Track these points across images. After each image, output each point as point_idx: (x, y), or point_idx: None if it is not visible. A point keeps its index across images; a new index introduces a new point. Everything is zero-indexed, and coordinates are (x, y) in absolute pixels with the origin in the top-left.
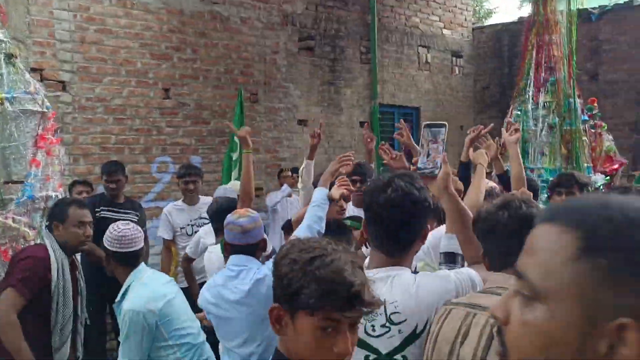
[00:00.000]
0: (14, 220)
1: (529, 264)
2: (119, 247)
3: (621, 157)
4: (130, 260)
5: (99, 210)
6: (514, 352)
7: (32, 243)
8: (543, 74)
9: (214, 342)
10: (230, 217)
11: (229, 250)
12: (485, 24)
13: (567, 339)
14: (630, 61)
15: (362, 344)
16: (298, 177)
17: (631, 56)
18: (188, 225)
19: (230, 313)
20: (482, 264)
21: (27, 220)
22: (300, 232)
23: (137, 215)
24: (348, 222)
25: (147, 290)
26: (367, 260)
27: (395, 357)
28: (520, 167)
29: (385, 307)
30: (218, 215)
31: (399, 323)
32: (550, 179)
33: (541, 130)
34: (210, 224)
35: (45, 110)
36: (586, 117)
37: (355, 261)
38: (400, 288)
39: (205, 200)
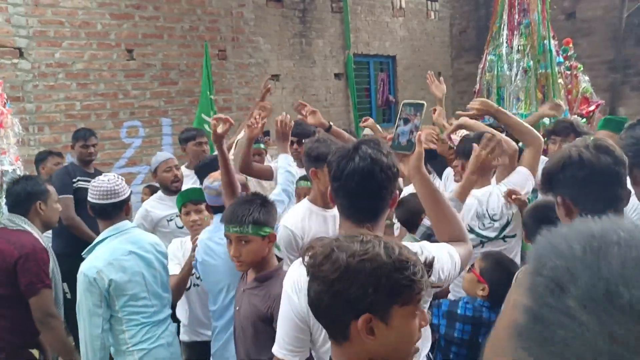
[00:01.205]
0: None
1: None
2: (96, 198)
3: (597, 98)
4: (107, 213)
5: (75, 180)
6: None
7: None
8: (517, 16)
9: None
10: (205, 182)
11: (209, 209)
12: None
13: None
14: None
15: None
16: (269, 139)
17: None
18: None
19: (215, 261)
20: (461, 242)
21: None
22: (276, 196)
23: None
24: (302, 183)
25: (108, 254)
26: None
27: None
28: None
29: None
30: (202, 170)
31: None
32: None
33: (516, 75)
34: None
35: None
36: (561, 59)
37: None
38: None
39: None
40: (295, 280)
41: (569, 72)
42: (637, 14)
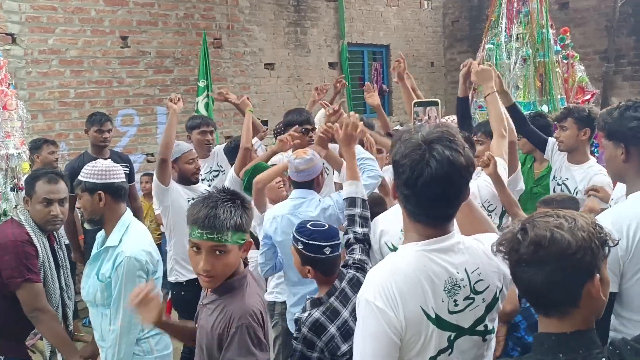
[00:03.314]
0: None
1: None
2: (107, 178)
3: (592, 88)
4: (124, 194)
5: None
6: None
7: None
8: (516, 5)
9: None
10: (290, 157)
11: (290, 184)
12: None
13: None
14: None
15: (444, 325)
16: (267, 130)
17: None
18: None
19: None
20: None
21: None
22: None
23: (128, 168)
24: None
25: (146, 238)
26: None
27: (477, 328)
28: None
29: (468, 276)
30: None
31: (483, 291)
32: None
33: (515, 63)
34: None
35: None
36: (559, 48)
37: None
38: (474, 253)
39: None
40: (384, 290)
41: (565, 61)
42: (631, 3)
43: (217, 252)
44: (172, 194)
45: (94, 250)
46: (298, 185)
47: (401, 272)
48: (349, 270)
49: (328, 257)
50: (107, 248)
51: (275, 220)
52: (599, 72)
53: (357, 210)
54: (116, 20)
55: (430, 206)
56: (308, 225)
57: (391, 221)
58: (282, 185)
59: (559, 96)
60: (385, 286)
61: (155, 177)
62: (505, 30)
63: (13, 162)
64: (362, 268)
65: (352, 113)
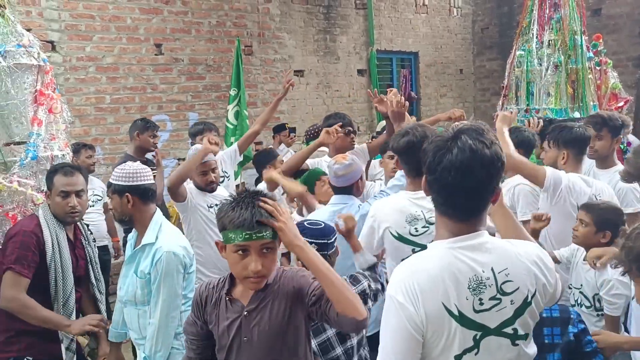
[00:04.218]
0: (19, 183)
1: None
2: (135, 180)
3: (626, 94)
4: (152, 196)
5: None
6: None
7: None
8: (547, 11)
9: None
10: (330, 162)
11: (332, 188)
12: None
13: None
14: None
15: (468, 323)
16: (295, 136)
17: None
18: None
19: (339, 241)
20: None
21: (33, 183)
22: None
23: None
24: None
25: (180, 235)
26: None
27: (504, 330)
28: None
29: (494, 276)
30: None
31: (512, 292)
32: (557, 119)
33: (546, 70)
34: None
35: (42, 63)
36: (591, 55)
37: None
38: (503, 254)
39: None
40: (405, 285)
41: (598, 68)
42: None
43: (264, 250)
44: (190, 205)
45: (128, 251)
46: (338, 190)
47: (424, 268)
48: (357, 284)
49: None
50: (143, 246)
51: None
52: (632, 79)
53: (364, 284)
54: (151, 28)
55: (451, 195)
56: (305, 224)
57: (392, 211)
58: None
59: (591, 103)
60: (407, 282)
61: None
62: (536, 37)
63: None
64: (365, 297)
65: (391, 90)
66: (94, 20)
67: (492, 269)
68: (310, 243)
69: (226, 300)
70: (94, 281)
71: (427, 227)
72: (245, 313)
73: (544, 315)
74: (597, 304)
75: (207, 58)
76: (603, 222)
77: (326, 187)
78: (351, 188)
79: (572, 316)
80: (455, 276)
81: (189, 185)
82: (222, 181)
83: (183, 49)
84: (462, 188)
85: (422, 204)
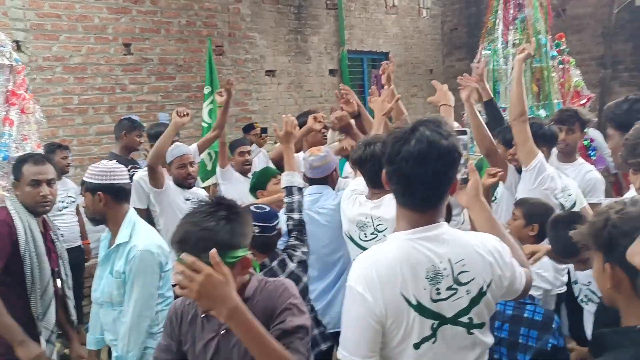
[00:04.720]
0: None
1: None
2: (112, 179)
3: (588, 92)
4: (126, 195)
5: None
6: None
7: None
8: (512, 11)
9: None
10: (305, 155)
11: (307, 180)
12: None
13: None
14: None
15: (426, 312)
16: (267, 136)
17: None
18: None
19: (319, 228)
20: (527, 269)
21: (5, 183)
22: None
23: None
24: None
25: (155, 233)
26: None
27: (460, 319)
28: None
29: (451, 267)
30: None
31: (467, 283)
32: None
33: (512, 69)
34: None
35: (14, 63)
36: (555, 53)
37: None
38: (460, 245)
39: None
40: (365, 276)
41: (561, 66)
42: (628, 9)
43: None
44: (168, 195)
45: (102, 252)
46: (313, 181)
47: (383, 259)
48: (283, 252)
49: (257, 235)
50: (117, 246)
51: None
52: (596, 77)
53: (295, 198)
54: (119, 28)
55: (410, 185)
56: (252, 207)
57: (349, 213)
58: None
59: (555, 101)
60: (367, 272)
61: (149, 183)
62: (501, 37)
63: None
64: (292, 252)
65: (287, 115)
66: (61, 20)
67: (449, 260)
68: (254, 225)
69: (202, 318)
70: (64, 276)
71: (376, 234)
72: (223, 331)
73: (525, 315)
74: None
75: (177, 58)
76: (531, 215)
77: (279, 187)
78: (326, 179)
79: (554, 326)
80: (413, 266)
81: (167, 182)
82: None
83: (152, 49)
84: (420, 178)
85: (374, 212)
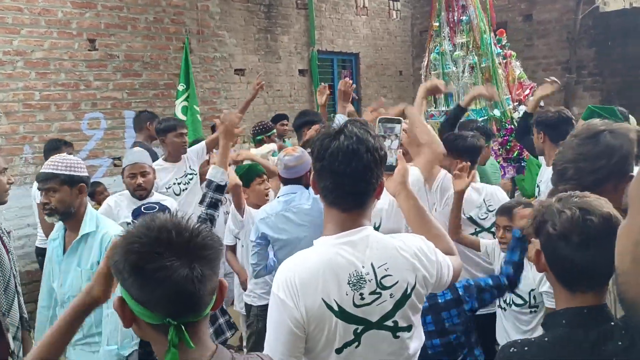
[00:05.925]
0: None
1: None
2: (86, 171)
3: (529, 82)
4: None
5: None
6: None
7: None
8: (456, 14)
9: None
10: (280, 155)
11: (281, 180)
12: None
13: None
14: (562, 1)
15: (349, 318)
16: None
17: None
18: (174, 184)
19: (297, 229)
20: (452, 256)
21: None
22: None
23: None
24: None
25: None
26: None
27: (385, 323)
28: None
29: (374, 271)
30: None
31: (391, 286)
32: (478, 119)
33: (462, 72)
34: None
35: None
36: (499, 50)
37: None
38: (383, 249)
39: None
40: (286, 282)
41: (504, 60)
42: (591, 16)
43: None
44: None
45: (58, 249)
46: (287, 182)
47: (305, 265)
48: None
49: None
50: (83, 237)
51: (270, 219)
52: (561, 82)
53: (210, 193)
54: (84, 23)
55: (339, 180)
56: (142, 208)
57: None
58: (268, 192)
59: (504, 96)
60: (288, 278)
61: None
62: (448, 39)
63: None
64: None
65: (227, 111)
66: (22, 13)
67: (371, 264)
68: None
69: None
70: (15, 272)
71: None
72: None
73: (439, 301)
74: (533, 301)
75: (143, 55)
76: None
77: (262, 187)
78: (300, 179)
79: (460, 293)
80: (335, 272)
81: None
82: (192, 178)
83: (118, 45)
84: (350, 172)
85: None
